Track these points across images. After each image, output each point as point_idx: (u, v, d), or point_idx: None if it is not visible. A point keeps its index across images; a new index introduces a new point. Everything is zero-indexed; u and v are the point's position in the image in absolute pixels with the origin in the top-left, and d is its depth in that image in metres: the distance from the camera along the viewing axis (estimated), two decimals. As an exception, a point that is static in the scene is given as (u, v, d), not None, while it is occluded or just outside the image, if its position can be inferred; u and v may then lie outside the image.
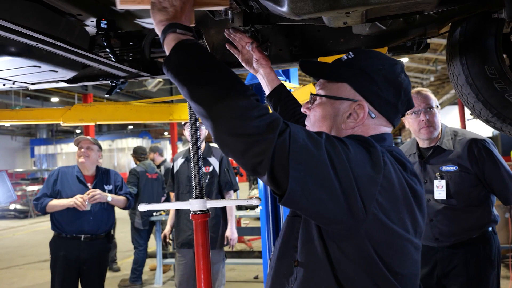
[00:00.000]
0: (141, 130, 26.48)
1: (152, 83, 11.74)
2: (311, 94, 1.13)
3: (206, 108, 0.85)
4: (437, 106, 2.33)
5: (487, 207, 2.28)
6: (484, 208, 2.27)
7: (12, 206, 13.77)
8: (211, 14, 1.28)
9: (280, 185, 0.82)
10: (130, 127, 26.11)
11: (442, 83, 18.53)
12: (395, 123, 1.09)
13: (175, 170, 3.69)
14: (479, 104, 1.60)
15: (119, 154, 23.52)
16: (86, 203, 3.25)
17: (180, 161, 3.69)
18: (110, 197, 3.41)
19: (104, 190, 3.47)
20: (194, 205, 1.21)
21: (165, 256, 5.63)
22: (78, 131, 23.78)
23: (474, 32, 1.55)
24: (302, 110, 1.15)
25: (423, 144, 2.41)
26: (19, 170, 21.50)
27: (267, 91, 1.59)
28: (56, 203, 3.29)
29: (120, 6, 1.13)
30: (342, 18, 1.15)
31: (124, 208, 3.63)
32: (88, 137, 3.55)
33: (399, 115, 1.10)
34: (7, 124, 19.78)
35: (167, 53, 0.99)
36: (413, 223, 0.95)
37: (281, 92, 1.56)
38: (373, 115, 1.04)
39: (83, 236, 3.33)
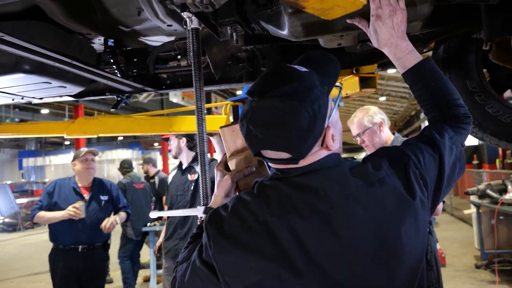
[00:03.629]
0: (131, 141, 26.29)
1: (143, 94, 11.79)
2: None
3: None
4: (374, 123, 2.49)
5: None
6: None
7: (0, 220, 13.57)
8: (216, 35, 1.38)
9: None
10: (120, 138, 25.90)
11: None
12: None
13: (168, 183, 3.76)
14: (462, 116, 1.72)
15: (109, 166, 23.33)
16: (82, 211, 3.28)
17: (173, 173, 3.74)
18: (118, 220, 3.53)
19: (100, 200, 3.53)
20: (201, 211, 1.30)
21: (159, 267, 5.65)
22: (67, 142, 23.58)
23: (456, 50, 1.68)
24: None
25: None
26: (8, 182, 21.16)
27: None
28: (45, 215, 3.33)
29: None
30: (336, 40, 1.27)
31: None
32: (92, 148, 3.62)
33: None
34: (-5, 136, 19.44)
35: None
36: None
37: None
38: None
39: (80, 247, 3.37)
